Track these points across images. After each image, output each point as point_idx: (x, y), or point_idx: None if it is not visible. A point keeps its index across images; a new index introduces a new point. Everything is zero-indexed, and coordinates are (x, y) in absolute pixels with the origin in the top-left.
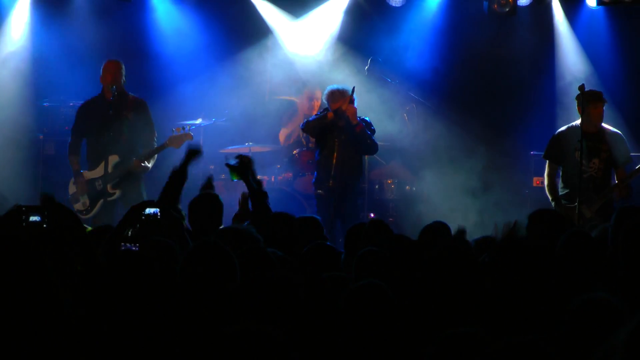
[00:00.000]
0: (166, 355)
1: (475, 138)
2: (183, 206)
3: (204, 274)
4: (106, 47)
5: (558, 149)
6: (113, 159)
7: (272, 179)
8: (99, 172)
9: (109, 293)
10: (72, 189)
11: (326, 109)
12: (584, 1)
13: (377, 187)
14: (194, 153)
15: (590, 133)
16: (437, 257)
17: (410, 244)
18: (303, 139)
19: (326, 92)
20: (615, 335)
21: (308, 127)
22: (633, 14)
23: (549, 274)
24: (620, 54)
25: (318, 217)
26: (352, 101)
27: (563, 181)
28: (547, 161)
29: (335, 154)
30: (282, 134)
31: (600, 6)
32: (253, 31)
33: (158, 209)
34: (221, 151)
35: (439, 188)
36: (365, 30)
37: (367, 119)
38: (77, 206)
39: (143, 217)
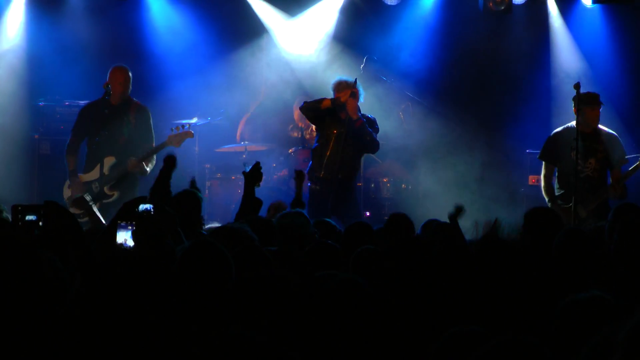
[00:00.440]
0: (163, 354)
1: (471, 136)
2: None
3: (200, 273)
4: (101, 46)
5: (554, 150)
6: (109, 160)
7: (268, 178)
8: (95, 174)
9: (105, 292)
10: (66, 192)
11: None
12: None
13: (372, 185)
14: (171, 162)
15: (586, 133)
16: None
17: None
18: (299, 137)
19: (334, 81)
20: (606, 332)
21: (304, 107)
22: (627, 12)
23: (534, 271)
24: (615, 52)
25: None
26: (354, 94)
27: (559, 181)
28: (544, 162)
29: (331, 144)
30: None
31: (595, 4)
32: (248, 30)
33: (151, 206)
34: (216, 150)
35: (434, 186)
36: (361, 28)
37: (371, 116)
38: (74, 209)
39: (137, 214)
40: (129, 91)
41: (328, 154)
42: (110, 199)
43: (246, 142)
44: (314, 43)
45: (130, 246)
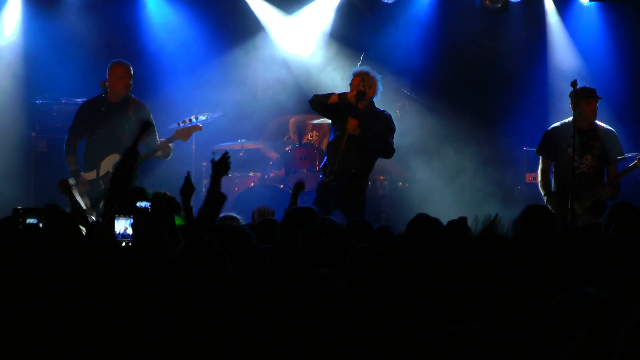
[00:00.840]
0: (160, 353)
1: (468, 134)
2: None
3: (195, 272)
4: (98, 43)
5: (551, 145)
6: (114, 157)
7: (265, 176)
8: (100, 172)
9: (103, 291)
10: None
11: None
12: None
13: (369, 183)
14: (146, 126)
15: (584, 129)
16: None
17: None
18: (295, 137)
19: (353, 70)
20: (595, 326)
21: (313, 100)
22: (623, 9)
23: (532, 268)
24: (611, 49)
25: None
26: (361, 95)
27: (555, 177)
28: (541, 157)
29: (345, 137)
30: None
31: (591, 2)
32: (245, 27)
33: (149, 203)
34: (213, 147)
35: (431, 184)
36: (358, 26)
37: (387, 112)
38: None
39: (135, 208)
40: (131, 87)
41: (342, 148)
42: None
43: (243, 140)
44: (311, 42)
45: (129, 235)
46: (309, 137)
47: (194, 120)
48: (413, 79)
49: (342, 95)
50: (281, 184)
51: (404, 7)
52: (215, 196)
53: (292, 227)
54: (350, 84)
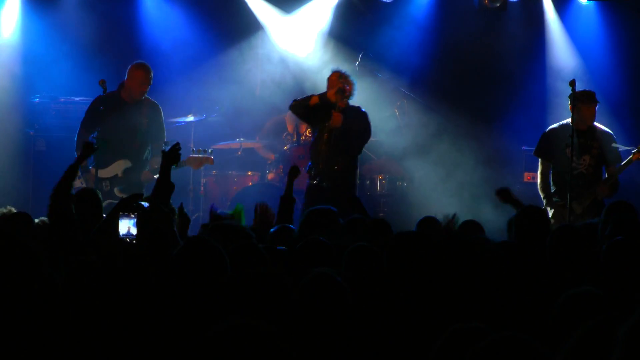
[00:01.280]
0: (158, 352)
1: (466, 133)
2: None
3: (195, 271)
4: (96, 42)
5: (549, 146)
6: (125, 163)
7: (264, 176)
8: (108, 173)
9: (103, 289)
10: (77, 183)
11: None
12: None
13: (368, 182)
14: (89, 148)
15: (582, 130)
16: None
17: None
18: (294, 135)
19: (331, 72)
20: (593, 324)
21: (293, 105)
22: (622, 9)
23: (529, 269)
24: (609, 49)
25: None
26: (342, 92)
27: (553, 178)
28: (540, 159)
29: (325, 135)
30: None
31: (590, 1)
32: (243, 26)
33: (147, 204)
34: (212, 147)
35: (430, 183)
36: (356, 25)
37: (363, 110)
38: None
39: (138, 206)
40: (145, 93)
41: (324, 147)
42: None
43: (241, 139)
44: (309, 42)
45: (132, 235)
46: (308, 133)
47: (208, 152)
48: (411, 78)
49: (322, 96)
50: (279, 184)
51: (402, 6)
52: (165, 185)
53: (312, 230)
54: (327, 82)
